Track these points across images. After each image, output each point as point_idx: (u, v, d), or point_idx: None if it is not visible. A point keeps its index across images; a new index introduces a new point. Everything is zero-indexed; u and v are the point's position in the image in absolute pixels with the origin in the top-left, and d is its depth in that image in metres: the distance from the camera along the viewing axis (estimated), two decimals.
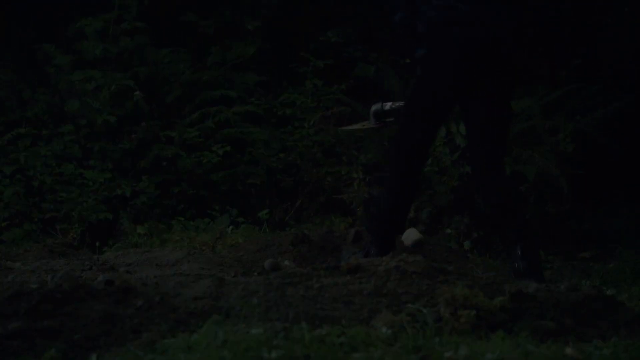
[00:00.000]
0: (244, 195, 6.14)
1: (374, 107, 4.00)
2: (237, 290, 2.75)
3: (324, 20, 7.59)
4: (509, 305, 2.67)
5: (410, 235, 4.42)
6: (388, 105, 3.96)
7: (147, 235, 5.47)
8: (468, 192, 5.17)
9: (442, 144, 5.31)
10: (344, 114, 6.10)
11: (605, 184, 5.99)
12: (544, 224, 5.40)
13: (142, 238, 5.43)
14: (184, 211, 5.87)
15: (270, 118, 6.50)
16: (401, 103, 3.91)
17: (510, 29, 3.65)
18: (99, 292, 2.66)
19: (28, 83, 6.17)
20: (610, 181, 6.01)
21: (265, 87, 6.69)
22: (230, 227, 5.53)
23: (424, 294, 2.76)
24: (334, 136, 6.07)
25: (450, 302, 2.58)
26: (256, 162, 6.21)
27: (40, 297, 2.59)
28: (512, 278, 3.49)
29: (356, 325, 2.50)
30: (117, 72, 6.16)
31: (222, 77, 6.56)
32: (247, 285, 2.81)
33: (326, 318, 2.61)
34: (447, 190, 5.27)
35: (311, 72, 6.48)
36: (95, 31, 6.22)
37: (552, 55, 6.71)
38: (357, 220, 5.58)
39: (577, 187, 5.58)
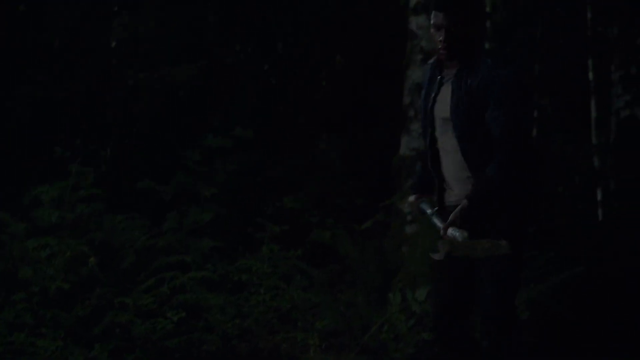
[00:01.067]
0: None
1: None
2: None
3: (280, 186, 7.74)
4: None
5: None
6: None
7: None
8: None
9: (397, 311, 5.33)
10: None
11: (560, 351, 6.00)
12: None
13: None
14: None
15: (226, 284, 6.48)
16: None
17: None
18: None
19: None
20: (566, 348, 6.03)
21: (221, 252, 6.70)
22: None
23: None
24: (290, 302, 6.07)
25: None
26: (211, 328, 6.14)
27: None
28: None
29: None
30: (72, 239, 6.15)
31: (178, 242, 6.57)
32: None
33: None
34: (402, 358, 5.25)
35: (267, 238, 6.53)
36: (52, 199, 6.25)
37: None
38: None
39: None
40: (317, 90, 10.62)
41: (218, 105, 9.94)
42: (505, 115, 3.69)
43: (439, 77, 3.89)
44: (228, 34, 11.11)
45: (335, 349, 5.80)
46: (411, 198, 4.15)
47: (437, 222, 3.82)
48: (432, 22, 3.76)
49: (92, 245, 6.19)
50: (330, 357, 5.51)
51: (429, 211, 3.95)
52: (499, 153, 3.69)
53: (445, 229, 3.68)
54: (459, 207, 3.70)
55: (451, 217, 3.69)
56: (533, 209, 3.87)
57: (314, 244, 6.61)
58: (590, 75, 11.37)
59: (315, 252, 6.56)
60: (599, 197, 10.66)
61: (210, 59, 9.76)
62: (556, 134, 12.33)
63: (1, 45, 8.62)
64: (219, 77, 9.95)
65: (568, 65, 12.19)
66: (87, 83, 8.56)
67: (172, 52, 9.68)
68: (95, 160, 7.93)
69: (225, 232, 6.98)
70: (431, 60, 4.02)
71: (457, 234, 3.64)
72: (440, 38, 3.74)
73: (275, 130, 10.10)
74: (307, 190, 7.75)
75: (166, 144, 9.04)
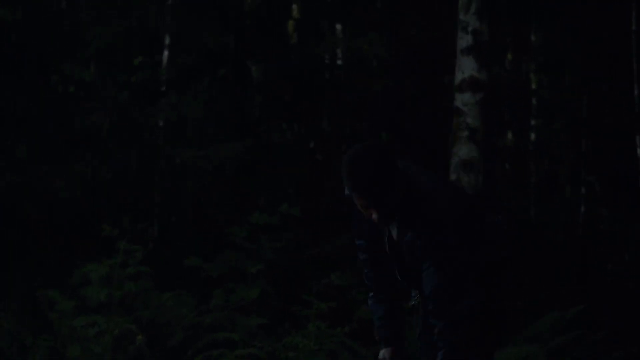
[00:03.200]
0: None
1: None
2: None
3: (326, 263, 7.71)
4: None
5: None
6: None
7: None
8: None
9: None
10: None
11: None
12: None
13: None
14: None
15: None
16: None
17: None
18: None
19: (30, 330, 6.16)
20: None
21: (267, 330, 6.67)
22: None
23: None
24: None
25: None
26: None
27: None
28: None
29: None
30: (120, 317, 6.16)
31: (225, 320, 6.56)
32: None
33: None
34: None
35: (314, 315, 6.48)
36: (100, 277, 6.28)
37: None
38: None
39: None
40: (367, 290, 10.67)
41: (264, 182, 10.01)
42: (438, 276, 3.28)
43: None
44: (274, 112, 11.25)
45: None
46: (387, 352, 3.70)
47: None
48: (356, 201, 3.34)
49: (139, 323, 6.20)
50: None
51: None
52: (438, 322, 3.31)
53: None
54: None
55: None
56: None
57: (360, 321, 6.54)
58: (639, 151, 11.28)
59: (362, 330, 6.49)
60: None
61: (256, 137, 9.87)
62: (604, 211, 12.20)
63: (52, 126, 8.81)
64: (265, 154, 10.04)
65: (615, 142, 12.11)
66: (135, 162, 8.68)
67: (218, 131, 9.81)
68: (142, 238, 7.99)
69: (271, 309, 6.96)
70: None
71: None
72: (374, 216, 3.30)
73: (321, 207, 10.12)
74: (354, 267, 7.71)
75: (213, 221, 9.09)
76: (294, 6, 12.17)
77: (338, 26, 11.92)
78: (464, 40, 7.35)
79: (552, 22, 12.38)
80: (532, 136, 13.61)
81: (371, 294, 3.66)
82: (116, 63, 9.82)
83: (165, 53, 9.88)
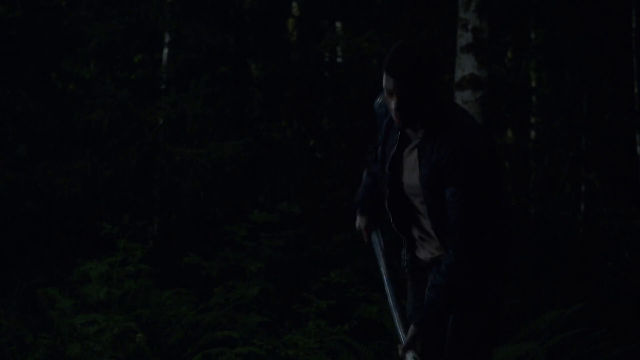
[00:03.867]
0: None
1: None
2: None
3: (326, 261, 7.71)
4: None
5: None
6: None
7: None
8: None
9: None
10: None
11: None
12: None
13: None
14: None
15: (273, 359, 6.44)
16: None
17: None
18: None
19: (30, 328, 6.17)
20: None
21: (267, 327, 6.67)
22: None
23: None
24: None
25: None
26: None
27: None
28: None
29: None
30: (120, 315, 6.17)
31: (225, 318, 6.56)
32: None
33: None
34: None
35: (314, 313, 6.48)
36: (100, 275, 6.28)
37: None
38: None
39: None
40: (364, 165, 10.66)
41: (264, 180, 10.01)
42: (465, 197, 3.14)
43: (398, 132, 3.36)
44: (274, 110, 11.25)
45: None
46: (361, 220, 3.71)
47: (389, 289, 3.52)
48: (383, 85, 3.25)
49: (139, 321, 6.20)
50: None
51: (380, 259, 3.59)
52: (453, 248, 3.17)
53: (404, 351, 3.35)
54: (410, 331, 3.36)
55: (406, 341, 3.36)
56: (501, 291, 3.36)
57: (361, 319, 6.55)
58: (639, 149, 11.29)
59: (362, 327, 6.50)
60: None
61: (256, 135, 9.87)
62: (604, 209, 12.20)
63: (52, 123, 8.81)
64: (265, 152, 10.03)
65: (615, 140, 12.12)
66: (135, 159, 8.68)
67: (218, 129, 9.81)
68: (142, 236, 8.00)
69: (271, 307, 6.96)
70: (380, 100, 3.52)
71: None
72: (393, 106, 3.21)
73: (321, 205, 10.12)
74: (354, 264, 7.72)
75: (212, 219, 9.10)
76: (294, 4, 12.18)
77: (338, 24, 11.94)
78: (464, 38, 7.36)
79: (552, 20, 12.39)
80: (532, 134, 13.62)
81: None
82: (116, 61, 9.83)
83: (165, 51, 9.88)
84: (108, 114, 8.62)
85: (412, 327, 3.36)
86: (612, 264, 11.06)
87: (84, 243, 7.91)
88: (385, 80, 3.22)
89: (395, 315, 3.48)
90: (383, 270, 3.59)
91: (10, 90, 8.80)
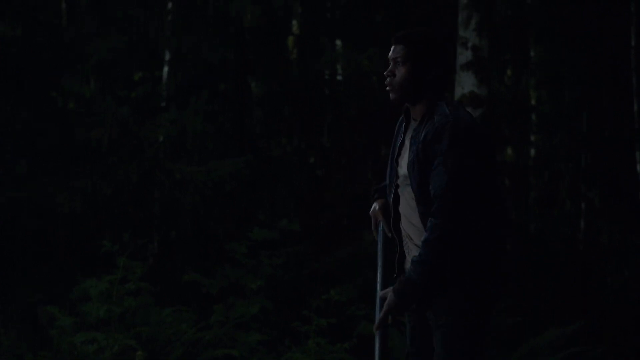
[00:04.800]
0: None
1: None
2: None
3: (326, 278, 7.69)
4: None
5: None
6: None
7: None
8: None
9: None
10: None
11: None
12: None
13: None
14: None
15: None
16: None
17: None
18: None
19: (30, 346, 6.15)
20: None
21: (267, 346, 6.66)
22: None
23: None
24: None
25: None
26: None
27: None
28: None
29: None
30: (120, 333, 6.15)
31: (225, 336, 6.54)
32: None
33: None
34: None
35: (314, 331, 6.47)
36: (100, 293, 6.27)
37: None
38: None
39: None
40: (364, 182, 10.68)
41: (264, 197, 10.02)
42: (448, 171, 3.15)
43: (403, 125, 3.46)
44: (274, 127, 11.26)
45: None
46: (374, 206, 3.65)
47: (378, 286, 3.46)
48: (389, 55, 3.33)
49: (139, 339, 6.19)
50: None
51: (380, 250, 3.57)
52: (435, 219, 3.16)
53: (377, 327, 3.34)
54: (386, 302, 3.29)
55: (382, 312, 3.32)
56: (493, 279, 3.30)
57: (361, 337, 6.54)
58: (638, 167, 11.30)
59: (362, 345, 6.48)
60: None
61: (256, 152, 9.88)
62: (604, 226, 12.19)
63: (52, 141, 8.82)
64: (265, 169, 10.04)
65: (615, 157, 12.13)
66: (135, 177, 8.69)
67: (218, 146, 9.82)
68: (142, 253, 7.99)
69: (271, 325, 6.95)
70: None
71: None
72: (389, 79, 3.32)
73: (321, 222, 10.12)
74: (354, 282, 7.71)
75: (212, 236, 9.09)
76: (294, 22, 12.21)
77: (338, 42, 11.96)
78: (464, 56, 7.38)
79: (551, 37, 12.42)
80: (532, 151, 13.62)
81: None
82: (116, 78, 9.84)
83: (165, 68, 9.91)
84: (108, 131, 8.64)
85: (390, 294, 3.29)
86: (612, 280, 11.05)
87: (84, 261, 7.90)
88: (392, 52, 3.32)
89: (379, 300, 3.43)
90: (380, 260, 3.59)
91: (11, 108, 8.82)
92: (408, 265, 3.39)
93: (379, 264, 3.58)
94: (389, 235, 3.56)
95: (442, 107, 3.27)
